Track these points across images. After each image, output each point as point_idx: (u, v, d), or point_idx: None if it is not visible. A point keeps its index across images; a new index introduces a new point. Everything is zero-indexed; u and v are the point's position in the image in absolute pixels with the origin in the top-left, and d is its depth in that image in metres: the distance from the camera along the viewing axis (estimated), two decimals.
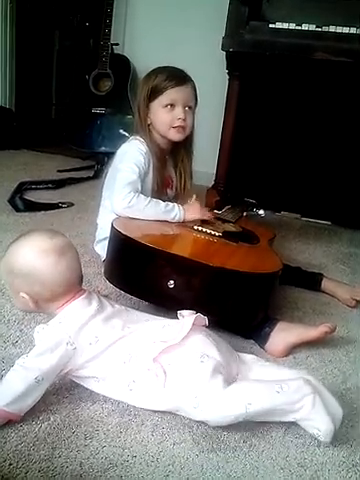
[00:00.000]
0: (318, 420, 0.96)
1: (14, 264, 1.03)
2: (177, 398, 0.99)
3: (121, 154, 1.60)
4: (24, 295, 1.02)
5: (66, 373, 1.03)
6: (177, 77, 1.56)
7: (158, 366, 0.99)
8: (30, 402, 0.95)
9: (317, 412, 0.96)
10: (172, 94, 1.54)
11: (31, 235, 1.06)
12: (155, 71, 1.59)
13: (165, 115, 1.56)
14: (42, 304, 1.05)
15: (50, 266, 1.01)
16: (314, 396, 0.97)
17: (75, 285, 1.06)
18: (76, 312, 1.03)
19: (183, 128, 1.57)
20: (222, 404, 0.95)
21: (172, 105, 1.55)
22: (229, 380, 1.01)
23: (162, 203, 1.49)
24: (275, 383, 0.99)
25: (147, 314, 1.15)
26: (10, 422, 0.94)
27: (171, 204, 1.50)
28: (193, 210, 1.53)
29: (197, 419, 0.99)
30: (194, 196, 1.58)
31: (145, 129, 1.60)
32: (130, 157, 1.55)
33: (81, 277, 1.08)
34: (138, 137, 1.61)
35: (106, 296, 1.21)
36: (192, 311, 1.09)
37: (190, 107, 1.58)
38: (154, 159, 1.58)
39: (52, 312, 1.06)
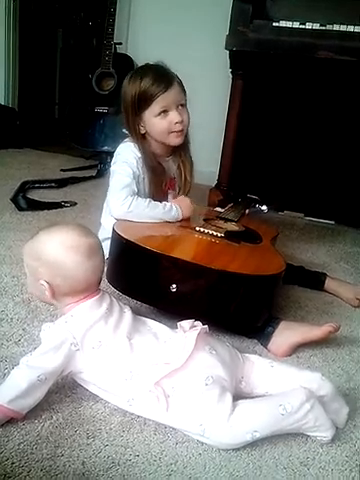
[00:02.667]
0: (321, 429, 0.98)
1: (43, 252, 1.03)
2: (181, 423, 0.97)
3: (116, 156, 1.59)
4: (44, 283, 1.03)
5: (67, 375, 1.03)
6: (163, 80, 1.50)
7: (160, 390, 0.96)
8: (32, 401, 0.95)
9: (319, 424, 0.97)
10: (163, 100, 1.49)
11: (65, 228, 1.06)
12: (137, 76, 1.53)
13: (161, 123, 1.52)
14: (58, 297, 1.05)
15: (76, 263, 1.01)
16: (314, 407, 0.96)
17: (93, 286, 1.06)
18: (83, 313, 1.03)
19: (181, 131, 1.54)
20: (228, 433, 0.93)
21: (165, 111, 1.51)
22: (235, 386, 1.02)
23: (160, 204, 1.48)
24: (278, 403, 0.96)
25: (152, 321, 1.12)
26: (12, 420, 0.94)
27: (168, 204, 1.50)
28: (184, 205, 1.52)
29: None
30: (170, 196, 1.58)
31: (138, 139, 1.56)
32: (123, 159, 1.54)
33: (100, 279, 1.08)
34: (133, 139, 1.59)
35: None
36: (192, 322, 1.06)
37: (182, 105, 1.54)
38: (149, 165, 1.55)
39: (63, 307, 1.06)
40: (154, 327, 1.10)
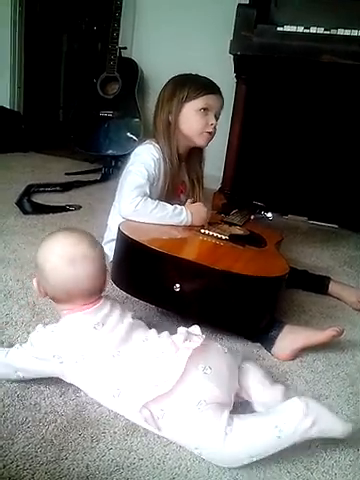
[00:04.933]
0: (332, 433, 0.94)
1: (38, 252, 1.05)
2: (177, 442, 0.95)
3: (133, 156, 1.61)
4: (33, 281, 1.08)
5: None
6: (214, 86, 1.60)
7: (147, 413, 0.93)
8: None
9: (328, 431, 0.93)
10: (208, 100, 1.56)
11: (64, 234, 1.06)
12: (190, 76, 1.61)
13: (199, 119, 1.57)
14: (55, 301, 1.07)
15: (55, 270, 1.02)
16: (315, 422, 0.90)
17: (85, 295, 1.03)
18: (71, 325, 1.02)
19: (211, 134, 1.59)
20: (225, 458, 0.91)
21: (205, 109, 1.56)
22: (234, 399, 1.00)
23: (170, 206, 1.49)
24: (274, 424, 0.90)
25: (147, 332, 1.07)
26: None
27: (179, 207, 1.50)
28: (197, 211, 1.53)
29: None
30: (188, 201, 1.58)
31: (171, 131, 1.59)
32: (141, 160, 1.55)
33: (98, 288, 1.05)
34: (153, 142, 1.60)
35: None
36: (186, 334, 1.02)
37: (218, 118, 1.60)
38: (168, 165, 1.57)
39: (60, 312, 1.07)
40: (147, 339, 1.04)
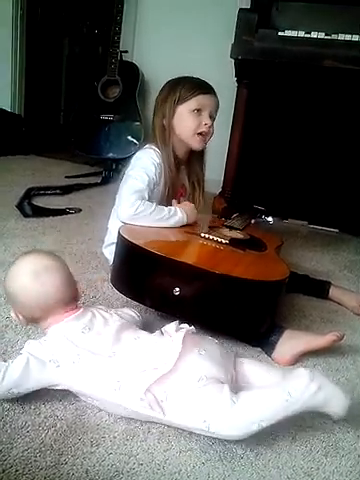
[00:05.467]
0: (332, 405, 0.97)
1: (6, 289, 1.08)
2: (183, 422, 0.96)
3: (134, 161, 1.61)
4: (12, 315, 1.09)
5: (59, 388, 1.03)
6: (207, 85, 1.59)
7: (151, 397, 0.95)
8: None
9: (330, 398, 0.96)
10: (201, 100, 1.56)
11: (18, 260, 1.08)
12: (183, 78, 1.61)
13: (192, 120, 1.56)
14: (37, 323, 1.09)
15: (24, 290, 1.04)
16: (321, 387, 0.95)
17: (60, 306, 1.05)
18: (59, 331, 1.04)
19: (206, 136, 1.59)
20: (233, 425, 0.93)
21: (199, 110, 1.56)
22: (230, 380, 1.02)
23: (166, 208, 1.49)
24: (282, 389, 0.95)
25: (137, 332, 1.10)
26: None
27: (173, 208, 1.51)
28: (188, 209, 1.54)
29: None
30: (174, 201, 1.59)
31: (167, 135, 1.59)
32: (141, 165, 1.55)
33: (70, 296, 1.07)
34: (153, 146, 1.61)
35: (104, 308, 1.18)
36: (177, 325, 1.07)
37: (213, 118, 1.60)
38: (168, 168, 1.58)
39: (44, 329, 1.08)
40: (139, 338, 1.07)
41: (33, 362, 0.99)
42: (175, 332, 1.04)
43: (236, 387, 1.03)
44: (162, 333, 1.09)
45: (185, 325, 1.07)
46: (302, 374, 0.97)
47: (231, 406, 0.93)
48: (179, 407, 0.96)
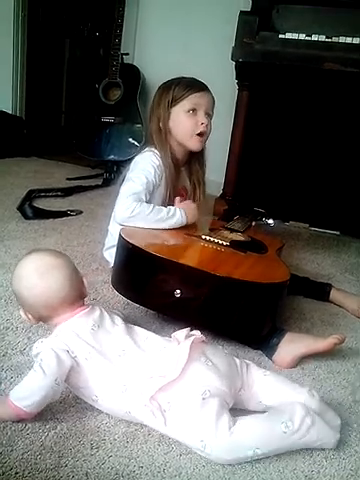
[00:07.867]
0: (324, 441, 0.98)
1: (13, 287, 1.08)
2: (181, 437, 0.96)
3: (134, 164, 1.60)
4: (21, 314, 1.09)
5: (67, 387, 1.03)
6: (201, 84, 1.59)
7: (155, 405, 0.95)
8: (45, 403, 0.96)
9: (322, 437, 0.97)
10: (195, 99, 1.55)
11: (22, 259, 1.08)
12: (175, 80, 1.60)
13: (188, 120, 1.56)
14: (45, 322, 1.09)
15: (31, 290, 1.03)
16: (315, 422, 0.95)
17: (67, 303, 1.04)
18: (70, 327, 1.03)
19: (204, 135, 1.58)
20: (230, 449, 0.92)
21: (194, 110, 1.55)
22: (234, 395, 1.01)
23: (164, 209, 1.49)
24: (280, 420, 0.94)
25: (146, 332, 1.10)
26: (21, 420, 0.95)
27: (172, 209, 1.50)
28: (189, 210, 1.53)
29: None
30: (177, 198, 1.57)
31: (163, 138, 1.59)
32: (141, 168, 1.55)
33: (77, 295, 1.07)
34: (153, 149, 1.60)
35: (112, 311, 1.19)
36: (187, 332, 1.05)
37: (209, 115, 1.59)
38: (168, 171, 1.57)
39: (52, 328, 1.07)
40: (148, 338, 1.07)
41: (59, 351, 0.97)
42: (184, 339, 1.03)
43: (238, 402, 1.03)
44: (170, 338, 1.08)
45: (196, 332, 1.06)
46: (299, 408, 0.97)
47: (229, 428, 0.92)
48: (179, 422, 0.95)
